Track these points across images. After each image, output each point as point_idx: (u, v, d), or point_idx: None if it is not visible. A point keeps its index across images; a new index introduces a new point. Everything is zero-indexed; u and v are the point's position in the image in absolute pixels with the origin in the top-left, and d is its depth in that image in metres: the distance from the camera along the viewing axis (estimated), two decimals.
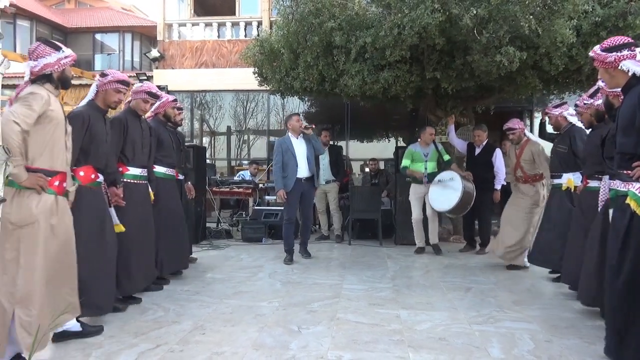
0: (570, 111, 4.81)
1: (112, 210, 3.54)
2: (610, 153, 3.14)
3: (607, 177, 3.65)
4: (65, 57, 2.84)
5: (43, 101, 2.67)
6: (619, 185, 2.77)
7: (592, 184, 4.05)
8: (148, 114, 4.59)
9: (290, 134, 5.88)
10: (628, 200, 2.64)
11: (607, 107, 3.38)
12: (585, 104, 4.12)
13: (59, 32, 17.65)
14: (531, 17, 5.21)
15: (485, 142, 6.51)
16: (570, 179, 4.66)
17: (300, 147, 5.82)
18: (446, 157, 6.53)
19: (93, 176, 3.31)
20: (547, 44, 5.43)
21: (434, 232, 6.54)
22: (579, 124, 4.58)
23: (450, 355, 2.90)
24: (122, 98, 3.58)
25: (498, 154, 6.43)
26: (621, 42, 2.69)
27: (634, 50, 2.64)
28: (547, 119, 5.19)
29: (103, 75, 3.50)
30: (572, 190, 4.63)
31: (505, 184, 6.52)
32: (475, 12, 5.18)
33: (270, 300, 4.09)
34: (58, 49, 2.83)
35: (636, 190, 2.61)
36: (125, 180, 3.90)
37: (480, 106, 7.57)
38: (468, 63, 5.82)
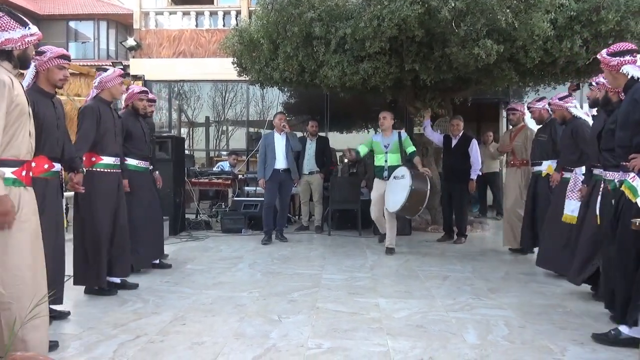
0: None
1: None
2: (606, 145, 3.36)
3: (578, 169, 3.90)
4: (31, 35, 2.53)
5: (7, 88, 2.38)
6: (619, 176, 3.08)
7: (566, 175, 4.35)
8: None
9: (275, 130, 6.70)
10: (623, 188, 2.95)
11: (604, 102, 3.62)
12: (530, 108, 4.41)
13: (31, 19, 17.15)
14: (508, 10, 5.28)
15: (462, 133, 6.63)
16: (550, 166, 5.00)
17: (280, 143, 6.62)
18: (409, 149, 5.86)
19: (46, 166, 3.05)
20: (524, 37, 5.51)
21: (390, 234, 5.82)
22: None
23: (428, 342, 2.97)
24: (67, 75, 3.21)
25: (474, 145, 6.57)
26: (625, 48, 3.00)
27: (635, 57, 2.95)
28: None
29: (39, 53, 3.10)
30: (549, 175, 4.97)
31: (480, 174, 6.70)
32: (453, 4, 5.22)
33: (250, 291, 4.11)
34: (25, 24, 2.51)
35: (630, 179, 2.90)
36: (98, 169, 3.89)
37: (458, 98, 7.67)
38: (446, 55, 5.88)
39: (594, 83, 4.06)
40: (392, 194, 5.66)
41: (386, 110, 6.07)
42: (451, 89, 7.40)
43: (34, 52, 2.68)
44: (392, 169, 5.80)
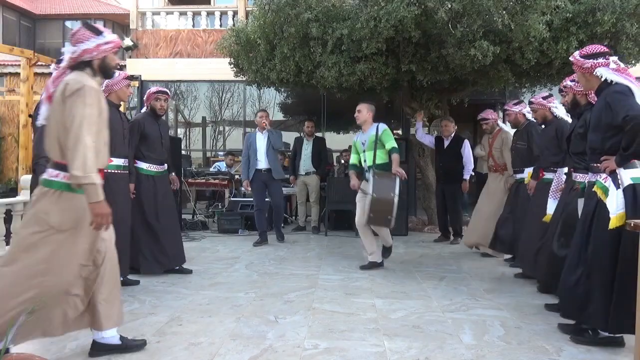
0: (528, 109, 5.05)
1: None
2: (575, 148, 3.41)
3: (561, 169, 3.93)
4: (106, 44, 2.57)
5: (100, 94, 2.48)
6: (589, 177, 3.08)
7: (547, 175, 4.32)
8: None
9: (257, 128, 6.51)
10: (595, 189, 2.95)
11: (572, 105, 3.65)
12: (507, 111, 4.34)
13: (27, 19, 17.13)
14: (504, 12, 5.31)
15: (453, 133, 6.64)
16: (530, 173, 4.84)
17: (261, 142, 6.42)
18: (388, 145, 4.90)
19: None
20: (520, 39, 5.54)
21: (382, 234, 5.07)
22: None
23: (424, 342, 2.97)
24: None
25: (466, 145, 6.61)
26: (598, 50, 2.99)
27: (608, 59, 2.94)
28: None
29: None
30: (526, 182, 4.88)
31: (472, 174, 6.73)
32: (450, 6, 5.24)
33: (247, 291, 4.11)
34: (98, 33, 2.57)
35: (602, 180, 2.92)
36: (107, 170, 3.87)
37: (455, 98, 7.69)
38: (443, 56, 5.90)
39: (534, 101, 4.11)
40: (359, 202, 5.07)
41: (362, 103, 5.21)
42: (448, 90, 7.41)
43: (115, 61, 2.67)
44: (377, 167, 4.91)
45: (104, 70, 2.61)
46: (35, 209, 2.45)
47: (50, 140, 2.49)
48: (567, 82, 3.68)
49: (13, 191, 9.58)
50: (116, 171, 4.03)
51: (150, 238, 4.52)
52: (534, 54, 5.75)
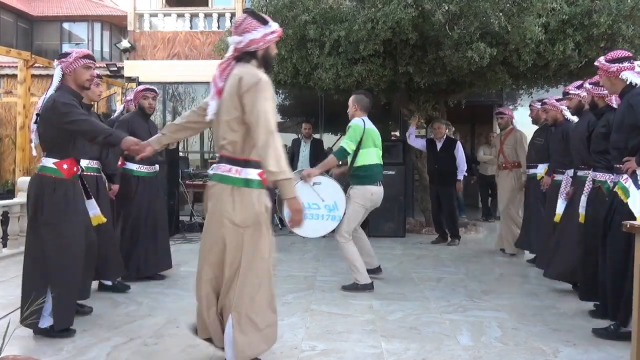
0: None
1: (92, 201, 3.37)
2: (597, 147, 3.46)
3: (570, 170, 3.95)
4: (272, 33, 2.42)
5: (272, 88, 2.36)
6: (608, 177, 3.22)
7: (557, 177, 4.36)
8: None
9: None
10: (616, 189, 3.06)
11: (592, 107, 3.70)
12: (570, 94, 4.27)
13: (25, 21, 17.11)
14: (501, 14, 5.33)
15: (445, 136, 6.68)
16: (546, 169, 4.93)
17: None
18: (341, 143, 4.33)
19: (75, 169, 3.10)
20: (517, 41, 5.56)
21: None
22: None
23: (421, 344, 2.98)
24: (93, 75, 3.21)
25: (459, 147, 6.68)
26: (622, 55, 3.11)
27: (633, 63, 3.05)
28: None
29: (64, 55, 3.14)
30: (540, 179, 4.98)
31: (466, 174, 6.83)
32: (447, 8, 5.27)
33: None
34: (265, 22, 2.42)
35: (623, 180, 3.00)
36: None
37: (452, 100, 7.71)
38: (440, 58, 5.92)
39: (570, 92, 4.13)
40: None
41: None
42: (445, 92, 7.43)
43: (274, 51, 2.53)
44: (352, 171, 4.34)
45: (266, 61, 2.48)
46: (217, 207, 2.38)
47: (223, 135, 2.38)
48: (586, 84, 3.71)
49: (10, 193, 9.54)
50: (88, 173, 3.72)
51: (132, 244, 4.36)
52: (531, 56, 5.77)
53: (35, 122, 3.08)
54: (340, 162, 4.53)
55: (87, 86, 3.17)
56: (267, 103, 2.27)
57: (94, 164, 3.91)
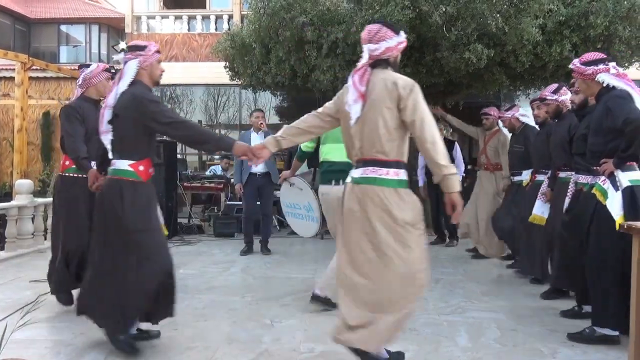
0: (521, 112, 5.28)
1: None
2: (578, 149, 3.45)
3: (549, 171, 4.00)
4: (403, 42, 2.55)
5: None
6: (590, 179, 3.17)
7: (539, 177, 4.45)
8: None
9: (252, 129, 5.99)
10: (594, 191, 3.05)
11: (580, 107, 3.65)
12: (547, 99, 4.29)
13: (22, 23, 17.09)
14: (498, 15, 5.34)
15: (442, 137, 6.67)
16: (530, 175, 4.88)
17: (257, 143, 5.68)
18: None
19: (151, 170, 2.88)
20: (514, 42, 5.57)
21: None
22: (532, 123, 4.96)
23: (420, 345, 2.98)
24: (163, 70, 3.00)
25: (457, 148, 6.72)
26: (597, 57, 3.09)
27: (608, 65, 3.04)
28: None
29: (138, 47, 2.84)
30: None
31: (464, 175, 6.85)
32: (444, 9, 5.28)
33: (243, 295, 4.10)
34: (397, 32, 2.54)
35: (601, 182, 3.01)
36: (74, 174, 3.59)
37: (450, 101, 7.72)
38: (437, 59, 5.92)
39: (548, 97, 4.17)
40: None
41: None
42: (443, 93, 7.43)
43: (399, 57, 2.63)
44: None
45: (396, 68, 2.60)
46: (375, 209, 2.40)
47: (376, 138, 2.42)
48: (571, 87, 3.80)
49: (7, 196, 9.52)
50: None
51: None
52: (528, 57, 5.79)
53: (111, 122, 2.77)
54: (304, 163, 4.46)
55: (159, 82, 2.98)
56: (424, 104, 2.42)
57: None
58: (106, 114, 2.77)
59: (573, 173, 3.57)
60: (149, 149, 2.85)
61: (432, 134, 2.34)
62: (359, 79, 2.48)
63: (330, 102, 2.70)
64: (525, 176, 4.95)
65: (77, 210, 3.53)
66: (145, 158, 2.80)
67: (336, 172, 3.68)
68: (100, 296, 2.75)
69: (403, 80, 2.43)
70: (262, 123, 5.93)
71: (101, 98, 3.63)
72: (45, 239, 6.24)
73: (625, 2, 5.64)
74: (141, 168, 2.77)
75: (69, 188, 3.60)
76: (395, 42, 2.50)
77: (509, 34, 5.50)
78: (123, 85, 2.76)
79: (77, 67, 3.50)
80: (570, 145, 3.68)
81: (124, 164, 2.76)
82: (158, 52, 2.89)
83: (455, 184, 2.35)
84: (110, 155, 2.82)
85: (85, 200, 3.45)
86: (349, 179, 2.55)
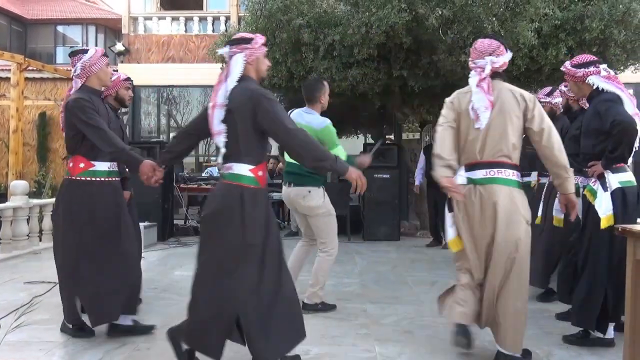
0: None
1: None
2: (569, 150, 3.43)
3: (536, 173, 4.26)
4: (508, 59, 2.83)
5: None
6: (580, 180, 3.24)
7: (542, 180, 4.45)
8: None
9: None
10: (585, 192, 3.12)
11: (566, 109, 3.84)
12: (541, 101, 4.33)
13: (18, 24, 17.05)
14: (494, 19, 5.36)
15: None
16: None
17: None
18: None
19: (267, 176, 2.68)
20: (510, 45, 5.58)
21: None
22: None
23: (415, 348, 2.98)
24: (269, 65, 2.75)
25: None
26: (588, 60, 3.15)
27: (599, 67, 3.09)
28: None
29: (243, 40, 2.55)
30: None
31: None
32: (440, 12, 5.30)
33: None
34: (507, 50, 2.81)
35: (592, 183, 3.08)
36: (87, 178, 3.09)
37: None
38: (434, 62, 5.94)
39: (541, 99, 4.23)
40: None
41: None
42: (439, 95, 7.45)
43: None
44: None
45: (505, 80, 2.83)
46: (509, 208, 2.64)
47: (504, 143, 2.67)
48: (562, 87, 3.84)
49: (3, 197, 9.48)
50: (101, 178, 3.11)
51: None
52: (524, 61, 5.81)
53: (225, 121, 2.46)
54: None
55: (264, 78, 2.78)
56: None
57: (115, 167, 3.24)
58: (217, 113, 2.48)
59: None
60: (264, 152, 2.58)
61: (559, 141, 2.63)
62: (486, 91, 2.66)
63: (447, 110, 2.80)
64: (534, 177, 4.98)
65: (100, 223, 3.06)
66: (263, 161, 2.55)
67: (290, 174, 3.72)
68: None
69: (527, 93, 2.70)
70: None
71: (103, 88, 3.31)
72: (41, 240, 6.22)
73: (621, 6, 5.67)
74: (260, 173, 2.51)
75: (93, 196, 3.06)
76: (508, 57, 2.76)
77: (504, 38, 5.51)
78: (232, 81, 2.49)
79: (69, 55, 3.05)
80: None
81: (243, 169, 2.45)
82: (264, 45, 2.62)
83: (572, 186, 2.67)
84: (220, 159, 2.52)
85: (109, 209, 3.09)
86: (462, 181, 2.75)
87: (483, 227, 2.64)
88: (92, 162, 3.07)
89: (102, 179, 3.12)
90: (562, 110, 4.02)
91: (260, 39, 2.58)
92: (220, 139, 2.47)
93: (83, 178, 3.06)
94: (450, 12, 5.31)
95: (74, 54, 3.06)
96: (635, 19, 5.80)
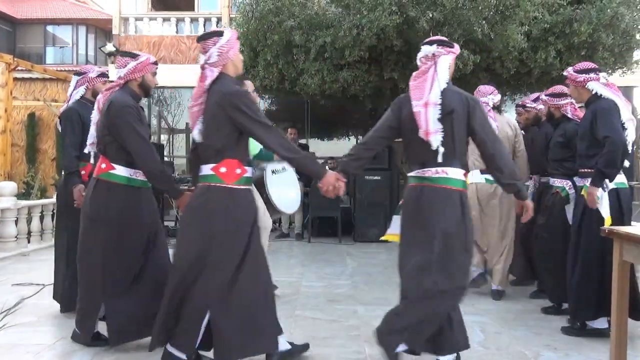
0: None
1: None
2: (554, 155, 3.68)
3: (535, 176, 4.30)
4: None
5: None
6: (578, 182, 3.40)
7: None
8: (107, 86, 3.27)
9: None
10: (583, 192, 3.21)
11: (548, 117, 3.97)
12: (527, 107, 4.44)
13: (8, 23, 16.90)
14: (484, 22, 5.41)
15: None
16: None
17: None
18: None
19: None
20: (500, 48, 5.65)
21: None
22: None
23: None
24: None
25: None
26: (589, 67, 3.30)
27: (598, 74, 3.24)
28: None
29: (445, 43, 2.70)
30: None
31: None
32: (431, 15, 5.34)
33: None
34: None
35: (588, 184, 3.14)
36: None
37: None
38: None
39: (527, 105, 4.37)
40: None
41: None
42: None
43: None
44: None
45: None
46: None
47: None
48: (543, 95, 3.99)
49: None
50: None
51: None
52: (514, 63, 5.87)
53: (441, 120, 2.50)
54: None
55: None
56: None
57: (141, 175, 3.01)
58: (433, 111, 2.46)
59: (550, 178, 3.82)
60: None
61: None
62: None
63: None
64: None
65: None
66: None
67: None
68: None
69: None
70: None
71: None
72: (29, 242, 6.17)
73: (609, 11, 5.75)
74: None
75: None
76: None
77: (494, 41, 5.57)
78: (443, 80, 2.56)
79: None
80: (547, 152, 3.89)
81: (458, 173, 2.50)
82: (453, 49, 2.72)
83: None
84: (440, 159, 2.47)
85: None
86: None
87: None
88: (246, 168, 2.66)
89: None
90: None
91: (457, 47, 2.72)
92: (435, 139, 2.46)
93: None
94: (440, 15, 5.35)
95: (206, 36, 2.65)
96: (623, 23, 5.89)
